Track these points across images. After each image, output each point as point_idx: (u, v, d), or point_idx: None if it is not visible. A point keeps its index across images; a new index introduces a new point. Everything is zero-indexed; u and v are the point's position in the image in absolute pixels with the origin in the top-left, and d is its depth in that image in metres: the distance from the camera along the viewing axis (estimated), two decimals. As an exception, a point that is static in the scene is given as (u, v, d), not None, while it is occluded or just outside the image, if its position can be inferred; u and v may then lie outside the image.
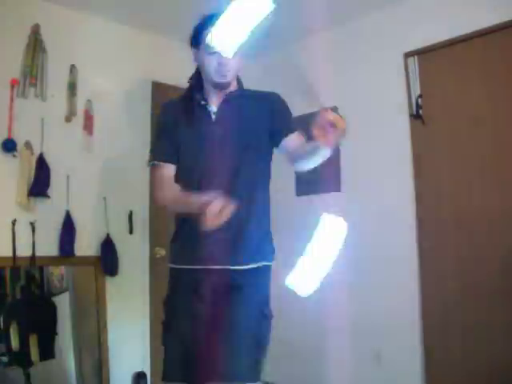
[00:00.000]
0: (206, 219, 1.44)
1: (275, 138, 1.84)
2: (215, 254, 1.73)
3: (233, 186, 1.72)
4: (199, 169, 1.79)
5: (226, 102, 1.83)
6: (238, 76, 1.91)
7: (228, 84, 1.83)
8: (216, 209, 1.44)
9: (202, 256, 1.75)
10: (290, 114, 1.92)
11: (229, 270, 1.74)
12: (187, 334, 1.75)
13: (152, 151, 1.89)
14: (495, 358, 2.74)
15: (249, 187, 1.78)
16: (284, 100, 1.92)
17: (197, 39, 1.81)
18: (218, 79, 1.79)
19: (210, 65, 1.77)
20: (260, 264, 1.79)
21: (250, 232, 1.77)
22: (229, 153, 1.77)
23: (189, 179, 1.79)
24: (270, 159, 1.91)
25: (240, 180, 1.76)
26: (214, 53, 1.68)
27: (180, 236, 1.86)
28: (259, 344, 1.74)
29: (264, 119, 1.84)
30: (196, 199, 1.54)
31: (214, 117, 1.82)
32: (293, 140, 1.82)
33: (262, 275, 1.82)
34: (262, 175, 1.87)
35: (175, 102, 1.92)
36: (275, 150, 1.90)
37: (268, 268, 1.84)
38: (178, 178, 1.83)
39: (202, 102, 1.83)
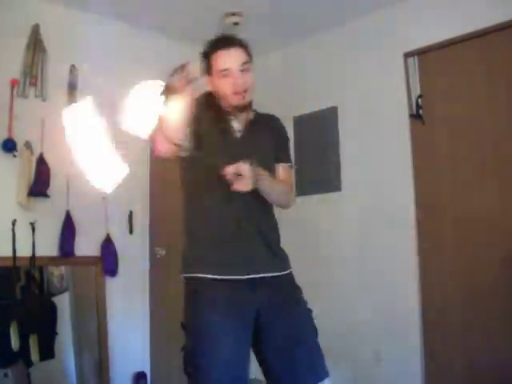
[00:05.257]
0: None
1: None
2: (260, 259, 1.71)
3: (251, 195, 1.68)
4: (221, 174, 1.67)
5: (251, 123, 1.81)
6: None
7: (247, 106, 1.77)
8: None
9: (247, 262, 1.68)
10: (289, 140, 1.95)
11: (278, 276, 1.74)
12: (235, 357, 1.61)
13: None
14: (495, 358, 2.74)
15: (263, 199, 1.75)
16: (283, 126, 1.95)
17: (208, 66, 1.75)
18: (235, 102, 1.73)
19: (226, 88, 1.71)
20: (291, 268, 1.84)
21: (275, 237, 1.81)
22: None
23: (210, 179, 1.69)
24: None
25: (257, 192, 1.70)
26: (227, 75, 1.69)
27: (200, 238, 1.74)
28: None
29: (272, 144, 1.85)
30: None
31: (238, 134, 1.78)
32: (279, 171, 1.84)
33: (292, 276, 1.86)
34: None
35: (201, 101, 1.77)
36: None
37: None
38: (193, 174, 1.76)
39: (230, 117, 1.78)
